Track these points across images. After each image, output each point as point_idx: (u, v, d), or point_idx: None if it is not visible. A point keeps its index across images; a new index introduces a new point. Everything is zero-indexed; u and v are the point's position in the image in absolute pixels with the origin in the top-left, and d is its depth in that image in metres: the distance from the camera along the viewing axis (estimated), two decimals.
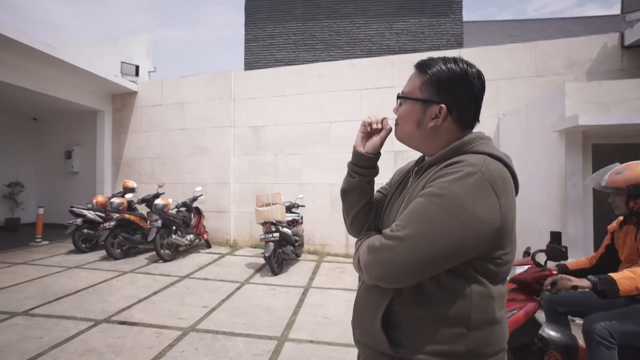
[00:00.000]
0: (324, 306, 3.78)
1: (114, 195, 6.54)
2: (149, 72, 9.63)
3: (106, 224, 5.56)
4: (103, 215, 5.94)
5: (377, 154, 1.01)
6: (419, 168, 0.97)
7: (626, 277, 1.64)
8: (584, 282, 1.67)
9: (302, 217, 5.99)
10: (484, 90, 0.90)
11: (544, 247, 1.86)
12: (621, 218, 2.08)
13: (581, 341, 1.85)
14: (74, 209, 5.96)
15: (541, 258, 1.92)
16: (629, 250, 1.96)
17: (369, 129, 0.99)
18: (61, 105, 7.56)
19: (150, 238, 5.44)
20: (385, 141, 1.01)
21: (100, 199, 6.30)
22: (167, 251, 5.64)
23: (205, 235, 6.51)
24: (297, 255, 5.85)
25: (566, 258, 1.80)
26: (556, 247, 1.79)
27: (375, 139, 1.00)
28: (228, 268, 5.28)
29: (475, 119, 0.92)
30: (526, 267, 1.95)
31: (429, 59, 0.92)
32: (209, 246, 6.69)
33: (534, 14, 73.61)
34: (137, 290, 4.16)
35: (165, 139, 7.53)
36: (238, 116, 7.12)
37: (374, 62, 6.51)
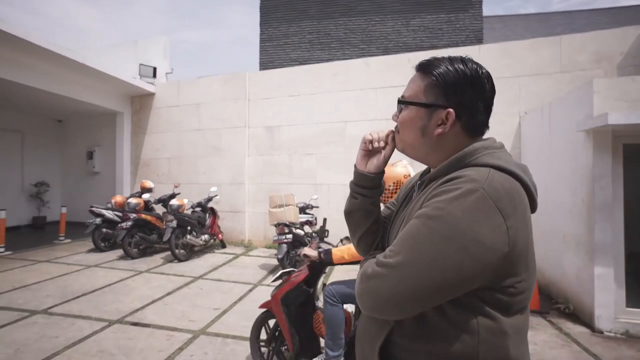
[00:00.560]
0: None
1: (131, 195, 6.69)
2: (166, 73, 9.78)
3: (123, 224, 5.68)
4: (121, 215, 6.08)
5: (380, 173, 0.91)
6: (421, 182, 0.87)
7: (340, 250, 2.06)
8: (313, 253, 2.13)
9: (316, 218, 5.92)
10: (495, 93, 0.80)
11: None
12: None
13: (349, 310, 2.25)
14: (93, 208, 6.12)
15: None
16: None
17: (369, 147, 0.91)
18: (83, 107, 7.81)
19: (165, 238, 5.52)
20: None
21: (118, 198, 6.46)
22: (182, 251, 5.71)
23: (220, 236, 6.55)
24: None
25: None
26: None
27: (379, 157, 0.91)
28: (242, 269, 5.28)
29: (485, 125, 0.81)
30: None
31: (432, 58, 0.82)
32: (223, 246, 6.73)
33: (559, 6, 70.91)
34: (151, 291, 4.22)
35: (181, 140, 7.63)
36: (253, 116, 7.13)
37: (389, 60, 6.36)
